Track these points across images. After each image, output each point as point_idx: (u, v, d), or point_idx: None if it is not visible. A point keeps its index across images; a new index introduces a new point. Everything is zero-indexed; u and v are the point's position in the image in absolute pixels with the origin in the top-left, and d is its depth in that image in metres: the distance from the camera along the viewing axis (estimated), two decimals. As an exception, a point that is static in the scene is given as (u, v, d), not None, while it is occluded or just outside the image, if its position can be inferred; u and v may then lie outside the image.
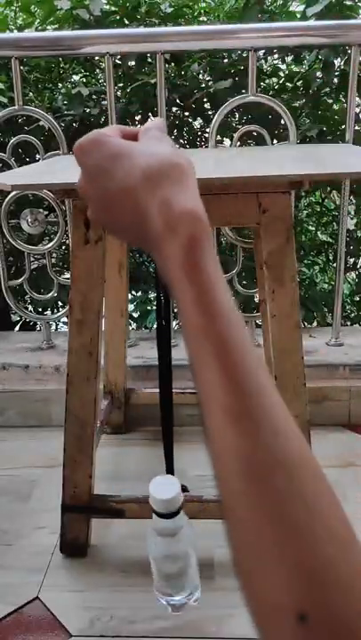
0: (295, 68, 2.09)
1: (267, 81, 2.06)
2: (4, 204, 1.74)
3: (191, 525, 0.67)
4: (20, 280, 1.84)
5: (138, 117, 2.08)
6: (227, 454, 0.30)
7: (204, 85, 2.00)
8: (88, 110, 1.99)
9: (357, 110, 1.90)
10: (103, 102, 1.99)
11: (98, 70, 2.13)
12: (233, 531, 0.30)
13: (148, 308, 2.10)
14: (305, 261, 2.24)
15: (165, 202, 0.37)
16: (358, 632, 0.25)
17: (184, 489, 0.66)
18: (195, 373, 0.33)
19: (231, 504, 0.30)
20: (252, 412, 0.31)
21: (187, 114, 2.11)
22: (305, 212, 2.30)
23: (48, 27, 2.04)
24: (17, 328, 2.42)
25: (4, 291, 1.83)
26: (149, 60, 1.92)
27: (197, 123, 2.16)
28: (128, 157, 0.39)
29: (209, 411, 0.32)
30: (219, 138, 1.86)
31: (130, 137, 0.44)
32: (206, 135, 2.01)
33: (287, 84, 2.05)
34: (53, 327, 2.40)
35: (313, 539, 0.27)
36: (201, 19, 2.05)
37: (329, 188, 2.15)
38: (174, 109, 2.08)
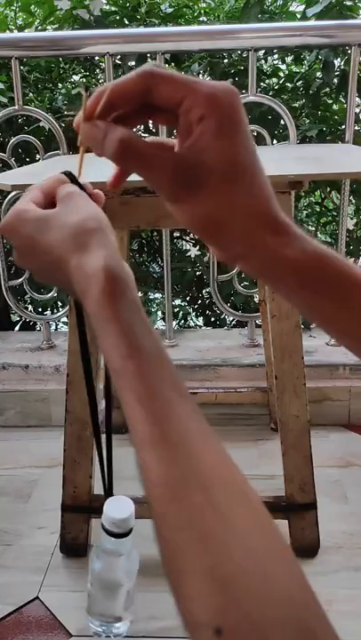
0: (295, 69, 2.09)
1: (267, 81, 2.06)
2: (4, 203, 1.74)
3: (136, 555, 0.66)
4: (20, 280, 1.84)
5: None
6: (149, 481, 0.33)
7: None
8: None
9: (357, 110, 1.90)
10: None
11: (98, 70, 2.13)
12: (161, 550, 0.31)
13: (148, 308, 2.10)
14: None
15: (78, 269, 0.42)
16: (273, 638, 0.25)
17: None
18: (123, 410, 0.36)
19: (157, 526, 0.32)
20: (166, 438, 0.34)
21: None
22: (305, 211, 2.30)
23: (48, 27, 2.04)
24: (17, 328, 2.42)
25: (4, 291, 1.83)
26: (149, 59, 1.92)
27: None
28: (46, 234, 0.44)
29: (134, 443, 0.35)
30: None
31: (49, 192, 0.49)
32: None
33: (287, 84, 2.04)
34: (53, 327, 2.40)
35: (227, 550, 0.28)
36: (201, 19, 2.05)
37: (329, 188, 2.15)
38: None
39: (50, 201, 0.48)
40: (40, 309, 2.25)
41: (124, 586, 0.68)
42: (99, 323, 0.39)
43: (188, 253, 2.14)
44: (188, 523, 0.30)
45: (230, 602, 0.27)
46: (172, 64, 1.97)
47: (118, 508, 0.68)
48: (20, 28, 2.14)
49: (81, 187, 0.50)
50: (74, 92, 1.95)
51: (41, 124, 1.81)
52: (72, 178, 0.51)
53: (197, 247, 2.17)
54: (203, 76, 2.02)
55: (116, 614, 0.71)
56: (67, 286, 0.44)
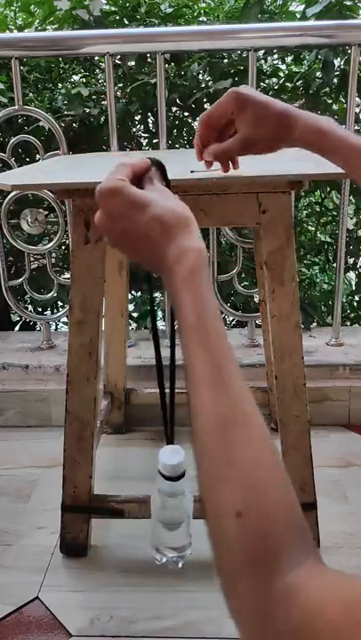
0: (295, 69, 2.09)
1: (267, 81, 2.06)
2: (4, 203, 1.74)
3: (190, 493, 0.80)
4: (20, 280, 1.84)
5: (138, 117, 2.08)
6: (202, 413, 0.43)
7: (203, 85, 2.00)
8: (88, 110, 1.99)
9: (357, 110, 1.90)
10: (103, 102, 1.99)
11: (98, 70, 2.13)
12: (200, 461, 0.43)
13: (148, 309, 2.10)
14: (305, 261, 2.24)
15: (177, 245, 0.51)
16: (279, 522, 0.38)
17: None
18: (186, 357, 0.47)
19: (202, 443, 0.43)
20: (220, 381, 0.45)
21: (186, 114, 2.11)
22: (305, 211, 2.30)
23: (48, 27, 2.04)
24: (17, 328, 2.42)
25: (4, 291, 1.83)
26: (149, 59, 1.92)
27: (197, 123, 2.15)
28: (146, 208, 0.53)
29: (192, 381, 0.45)
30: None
31: (138, 173, 0.58)
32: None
33: (287, 84, 2.04)
34: (53, 327, 2.40)
35: (251, 466, 0.40)
36: (201, 19, 2.05)
37: (329, 188, 2.15)
38: (174, 109, 2.08)
39: (135, 181, 0.57)
40: (40, 309, 2.25)
41: (185, 521, 0.82)
42: (183, 285, 0.49)
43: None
44: (227, 444, 0.41)
45: (249, 497, 0.39)
46: (172, 64, 1.97)
47: (172, 455, 0.79)
48: (20, 28, 2.14)
49: (166, 178, 0.62)
50: (74, 92, 1.95)
51: (41, 123, 1.81)
52: (159, 165, 0.61)
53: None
54: (202, 75, 2.02)
55: (182, 544, 0.85)
56: (156, 255, 0.52)
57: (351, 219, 2.16)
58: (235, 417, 0.43)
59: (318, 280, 2.31)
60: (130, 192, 0.54)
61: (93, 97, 2.01)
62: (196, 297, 0.48)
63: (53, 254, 2.18)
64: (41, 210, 1.86)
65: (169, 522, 0.82)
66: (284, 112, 0.76)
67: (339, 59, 1.89)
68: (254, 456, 0.41)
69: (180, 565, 0.85)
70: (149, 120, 2.09)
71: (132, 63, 1.94)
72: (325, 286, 2.31)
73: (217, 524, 0.39)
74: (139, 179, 0.58)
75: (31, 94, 2.00)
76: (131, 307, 2.13)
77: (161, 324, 2.05)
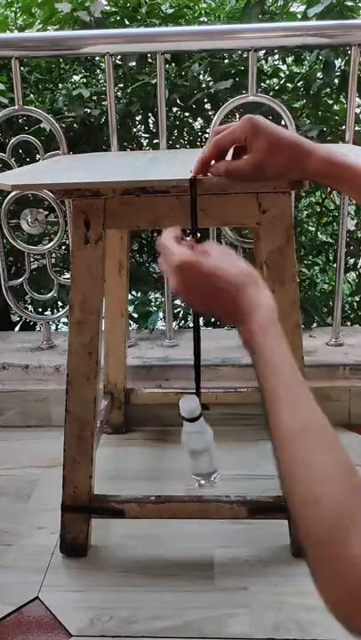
0: (296, 69, 2.09)
1: (267, 81, 2.06)
2: (4, 203, 1.74)
3: (209, 427, 0.99)
4: (20, 280, 1.84)
5: (138, 117, 2.08)
6: (282, 428, 0.52)
7: (204, 86, 2.00)
8: (89, 111, 1.99)
9: (358, 110, 1.90)
10: (104, 103, 1.99)
11: (98, 71, 2.13)
12: (281, 467, 0.51)
13: (148, 309, 2.10)
14: (305, 262, 2.23)
15: (252, 298, 0.60)
16: (349, 504, 0.45)
17: (204, 406, 0.98)
18: (264, 397, 0.55)
19: (283, 449, 0.51)
20: (297, 401, 0.54)
21: (187, 114, 2.11)
22: (305, 212, 2.30)
23: (49, 28, 2.04)
24: (17, 328, 2.42)
25: (4, 291, 1.83)
26: (150, 60, 1.92)
27: (198, 123, 2.16)
28: (219, 274, 0.61)
29: (272, 409, 0.54)
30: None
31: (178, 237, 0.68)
32: (206, 135, 2.01)
33: (288, 84, 2.04)
34: (53, 327, 2.40)
35: (326, 463, 0.49)
36: (202, 19, 2.05)
37: (329, 189, 2.15)
38: (175, 110, 2.08)
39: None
40: (40, 309, 2.25)
41: (209, 449, 1.00)
42: (260, 332, 0.58)
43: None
44: (307, 452, 0.50)
45: (324, 489, 0.47)
46: (173, 64, 1.97)
47: (189, 403, 0.96)
48: (21, 29, 2.14)
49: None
50: (74, 92, 1.95)
51: (41, 125, 1.81)
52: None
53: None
54: (203, 76, 2.02)
55: (211, 469, 1.03)
56: (233, 311, 0.61)
57: (352, 219, 2.16)
58: (309, 424, 0.52)
59: (319, 280, 2.31)
60: (198, 262, 0.62)
61: (94, 98, 2.01)
62: (277, 340, 0.58)
63: (53, 254, 2.18)
64: (41, 210, 1.86)
65: (195, 450, 1.00)
66: (298, 144, 0.77)
67: (339, 59, 1.89)
68: (327, 453, 0.50)
69: (213, 485, 1.04)
70: (150, 120, 2.09)
71: (133, 63, 1.94)
72: (326, 286, 2.31)
73: (300, 509, 0.48)
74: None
75: (32, 95, 2.00)
76: (131, 307, 2.14)
77: (161, 324, 2.05)
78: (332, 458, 0.50)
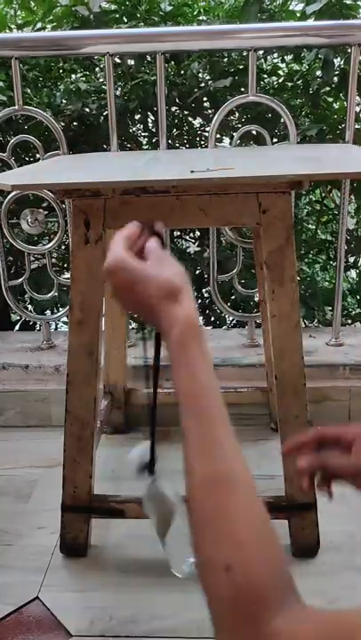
0: (295, 67, 2.08)
1: (266, 80, 2.06)
2: (4, 203, 1.74)
3: (172, 488, 0.81)
4: (20, 280, 1.84)
5: (137, 116, 2.08)
6: (194, 472, 0.49)
7: (203, 84, 2.00)
8: (87, 108, 1.99)
9: (357, 110, 1.90)
10: (102, 98, 1.98)
11: (97, 69, 2.13)
12: (192, 517, 0.48)
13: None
14: (305, 260, 2.24)
15: (167, 314, 0.57)
16: (265, 575, 0.43)
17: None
18: (181, 418, 0.52)
19: (194, 500, 0.48)
20: (210, 444, 0.50)
21: (186, 113, 2.11)
22: (305, 210, 2.30)
23: (47, 25, 2.03)
24: (17, 328, 2.42)
25: (4, 291, 1.83)
26: (149, 58, 1.92)
27: (197, 122, 2.16)
28: (143, 284, 0.59)
29: (185, 444, 0.50)
30: (218, 137, 1.85)
31: (133, 240, 0.63)
32: (206, 134, 2.01)
33: (287, 83, 2.04)
34: (53, 327, 2.40)
35: (240, 523, 0.46)
36: (200, 17, 2.05)
37: (329, 187, 2.15)
38: (174, 108, 2.08)
39: (132, 245, 0.63)
40: (40, 309, 2.25)
41: (174, 521, 0.81)
42: (175, 354, 0.55)
43: (188, 250, 2.15)
44: (215, 504, 0.47)
45: (237, 553, 0.44)
46: (172, 63, 1.97)
47: (135, 450, 0.86)
48: (20, 26, 2.13)
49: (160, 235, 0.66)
50: (72, 87, 1.94)
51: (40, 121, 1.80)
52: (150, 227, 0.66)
53: (196, 243, 2.17)
54: (202, 74, 2.02)
55: (182, 551, 0.82)
56: (154, 323, 0.60)
57: (352, 218, 2.16)
58: (225, 476, 0.48)
59: (319, 278, 2.31)
60: (128, 268, 0.60)
61: (93, 95, 2.01)
62: (188, 366, 0.55)
63: (53, 254, 2.18)
64: (41, 210, 1.86)
65: (154, 523, 0.83)
66: None
67: (339, 58, 1.89)
68: (242, 513, 0.46)
69: (191, 576, 0.81)
70: (149, 119, 2.09)
71: (132, 62, 1.94)
72: (326, 284, 2.31)
73: (209, 576, 0.45)
74: (134, 242, 0.64)
75: (29, 92, 2.00)
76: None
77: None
78: (253, 514, 0.46)
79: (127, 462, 0.80)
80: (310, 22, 1.76)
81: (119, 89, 2.01)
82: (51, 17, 1.99)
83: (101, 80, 2.06)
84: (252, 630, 0.41)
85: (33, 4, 2.09)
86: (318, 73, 1.92)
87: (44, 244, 1.95)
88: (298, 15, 1.93)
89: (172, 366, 0.55)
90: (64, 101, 1.97)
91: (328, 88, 1.97)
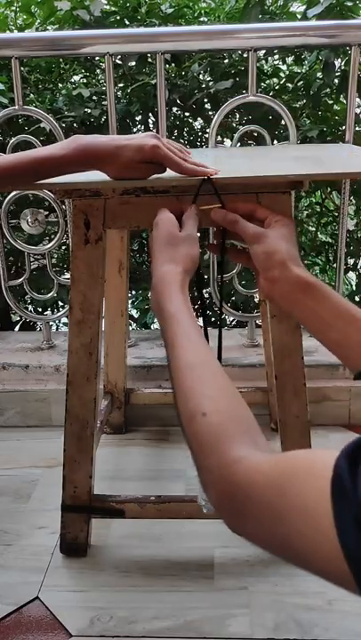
0: (296, 69, 2.09)
1: (267, 81, 2.06)
2: (4, 203, 1.74)
3: None
4: (20, 280, 1.84)
5: (138, 118, 2.08)
6: (179, 361, 0.65)
7: (204, 86, 2.00)
8: (89, 111, 1.99)
9: (358, 111, 1.90)
10: (104, 103, 1.99)
11: (98, 71, 2.13)
12: (175, 388, 0.63)
13: (147, 306, 2.10)
14: (305, 262, 2.23)
15: (166, 272, 0.76)
16: (235, 418, 0.58)
17: None
18: (167, 344, 0.69)
19: (177, 377, 0.63)
20: (192, 342, 0.68)
21: (187, 114, 2.11)
22: (305, 212, 2.30)
23: (48, 27, 2.04)
24: (17, 328, 2.42)
25: (4, 291, 1.83)
26: (150, 60, 1.92)
27: (198, 123, 2.16)
28: (171, 247, 0.79)
29: (170, 347, 0.67)
30: (219, 138, 1.86)
31: (180, 212, 0.87)
32: (206, 135, 2.01)
33: (288, 84, 2.04)
34: (53, 327, 2.40)
35: (214, 386, 0.62)
36: (201, 19, 2.05)
37: (329, 189, 2.15)
38: (175, 110, 2.08)
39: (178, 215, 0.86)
40: (40, 309, 2.25)
41: None
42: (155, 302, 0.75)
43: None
44: (198, 378, 0.62)
45: (210, 402, 0.58)
46: (173, 64, 1.97)
47: None
48: (21, 29, 2.14)
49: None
50: (74, 92, 1.95)
51: (41, 124, 1.81)
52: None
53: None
54: (203, 76, 2.02)
55: None
56: (159, 263, 0.78)
57: (352, 219, 2.16)
58: (200, 361, 0.65)
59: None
60: (172, 232, 0.81)
61: (94, 98, 2.01)
62: (165, 315, 0.71)
63: (53, 254, 2.18)
64: (41, 210, 1.86)
65: None
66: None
67: (339, 59, 1.89)
68: (216, 381, 0.62)
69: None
70: (150, 120, 2.09)
71: (133, 63, 1.94)
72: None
73: (190, 424, 0.57)
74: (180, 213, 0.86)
75: (32, 95, 2.00)
76: (130, 306, 2.14)
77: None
78: (223, 384, 0.62)
79: None
80: (311, 22, 1.76)
81: (120, 91, 2.01)
82: (52, 20, 1.99)
83: (102, 82, 2.07)
84: (224, 457, 0.52)
85: (33, 7, 2.09)
86: (319, 74, 1.93)
87: (44, 244, 1.96)
88: (299, 17, 1.94)
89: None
90: (65, 105, 1.97)
91: (329, 89, 1.97)
